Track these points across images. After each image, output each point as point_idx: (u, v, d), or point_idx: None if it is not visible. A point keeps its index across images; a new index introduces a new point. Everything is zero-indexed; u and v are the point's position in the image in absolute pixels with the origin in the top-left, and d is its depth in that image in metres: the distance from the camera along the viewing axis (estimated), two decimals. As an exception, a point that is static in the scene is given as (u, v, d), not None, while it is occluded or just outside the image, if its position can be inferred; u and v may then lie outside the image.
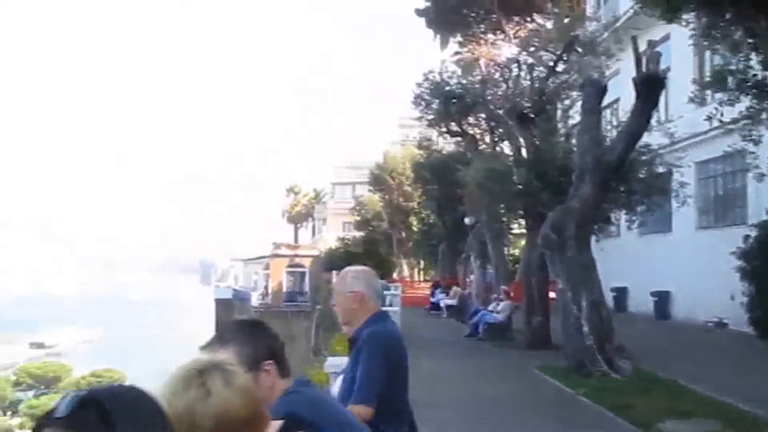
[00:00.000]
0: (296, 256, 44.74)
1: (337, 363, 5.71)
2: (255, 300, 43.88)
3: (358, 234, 45.23)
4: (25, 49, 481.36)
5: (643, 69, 11.79)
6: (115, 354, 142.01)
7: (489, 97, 20.22)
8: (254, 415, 1.61)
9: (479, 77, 20.89)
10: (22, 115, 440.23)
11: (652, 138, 14.50)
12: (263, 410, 1.68)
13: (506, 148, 21.70)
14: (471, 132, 23.97)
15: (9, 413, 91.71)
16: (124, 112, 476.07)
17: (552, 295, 16.13)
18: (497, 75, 20.05)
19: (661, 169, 14.88)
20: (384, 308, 3.96)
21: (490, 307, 19.66)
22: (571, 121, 18.57)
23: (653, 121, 13.95)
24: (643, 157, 14.11)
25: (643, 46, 12.31)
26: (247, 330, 2.23)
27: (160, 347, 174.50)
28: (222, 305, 50.39)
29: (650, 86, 11.84)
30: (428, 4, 20.82)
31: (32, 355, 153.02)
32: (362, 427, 2.46)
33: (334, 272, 40.67)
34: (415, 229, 41.35)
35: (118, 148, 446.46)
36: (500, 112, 19.52)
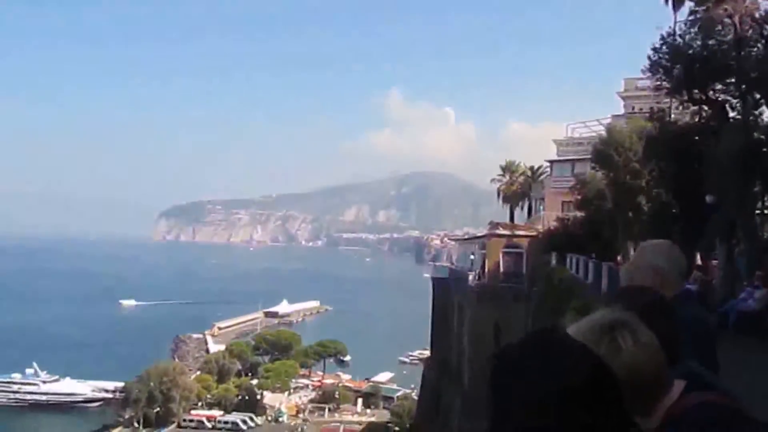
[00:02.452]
0: (514, 236, 44.00)
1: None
2: (471, 280, 43.99)
3: (579, 214, 43.24)
4: None
5: None
6: (338, 327, 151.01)
7: (742, 60, 17.88)
8: (660, 372, 1.63)
9: (729, 37, 18.53)
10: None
11: None
12: (667, 369, 1.69)
13: (766, 116, 19.02)
14: (719, 100, 21.36)
15: (249, 374, 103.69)
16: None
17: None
18: (750, 32, 17.64)
19: None
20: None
21: (742, 295, 17.60)
22: None
23: None
24: None
25: None
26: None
27: (378, 323, 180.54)
28: (439, 284, 51.36)
29: None
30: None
31: (268, 323, 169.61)
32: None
33: (553, 253, 39.40)
34: (644, 209, 38.45)
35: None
36: (756, 75, 17.15)
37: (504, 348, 1.19)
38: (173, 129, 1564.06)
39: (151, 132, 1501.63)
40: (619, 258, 40.42)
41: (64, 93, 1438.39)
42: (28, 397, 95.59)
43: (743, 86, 19.56)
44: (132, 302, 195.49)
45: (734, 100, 20.76)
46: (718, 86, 20.58)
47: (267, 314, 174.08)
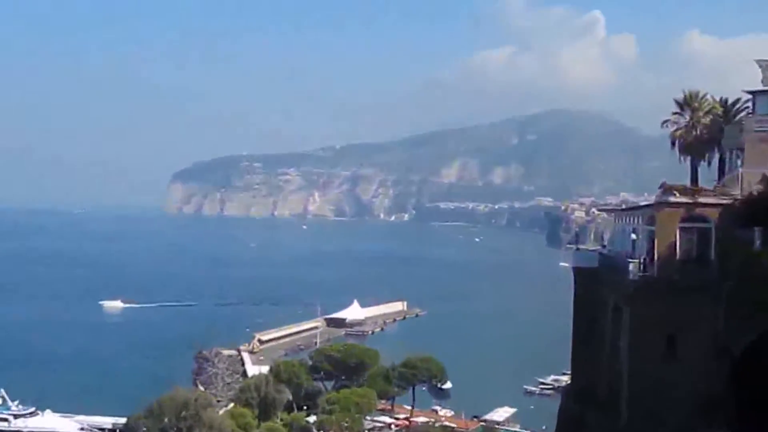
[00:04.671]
0: (697, 205, 43.25)
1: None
2: (632, 270, 43.65)
3: (799, 171, 42.12)
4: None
5: None
6: (434, 340, 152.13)
7: None
8: None
9: None
10: None
11: None
12: None
13: None
14: None
15: (305, 408, 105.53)
16: None
17: None
18: None
19: None
20: None
21: None
22: None
23: None
24: None
25: None
26: None
27: (493, 334, 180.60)
28: (583, 276, 51.29)
29: None
30: None
31: (331, 334, 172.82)
32: None
33: (757, 229, 38.68)
34: None
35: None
36: None
37: None
38: (183, 59, 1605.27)
39: (159, 66, 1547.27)
40: None
41: (42, 17, 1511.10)
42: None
43: None
44: (117, 304, 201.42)
45: None
46: None
47: (330, 321, 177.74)
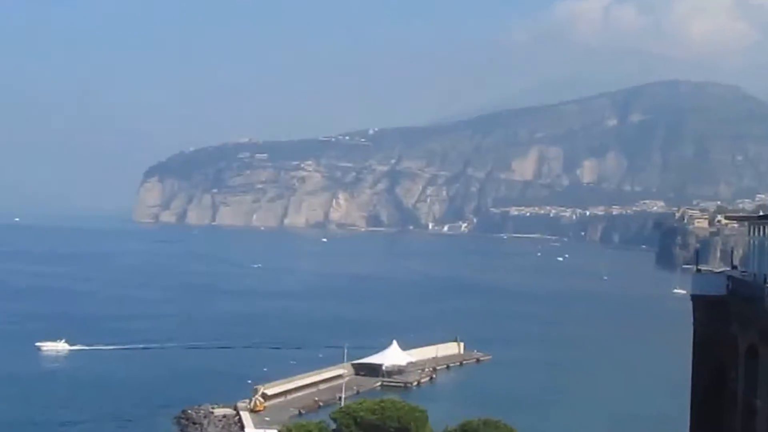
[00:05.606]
0: None
1: None
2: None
3: None
4: None
5: None
6: (503, 395, 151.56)
7: None
8: None
9: None
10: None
11: None
12: None
13: None
14: None
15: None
16: None
17: None
18: None
19: None
20: None
21: None
22: None
23: None
24: None
25: None
26: None
27: (587, 390, 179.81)
28: (707, 308, 50.99)
29: None
30: None
31: (361, 386, 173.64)
32: None
33: None
34: None
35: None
36: None
37: None
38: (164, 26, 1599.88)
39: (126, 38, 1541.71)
40: None
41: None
42: None
43: None
44: (60, 347, 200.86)
45: None
46: None
47: (360, 368, 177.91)
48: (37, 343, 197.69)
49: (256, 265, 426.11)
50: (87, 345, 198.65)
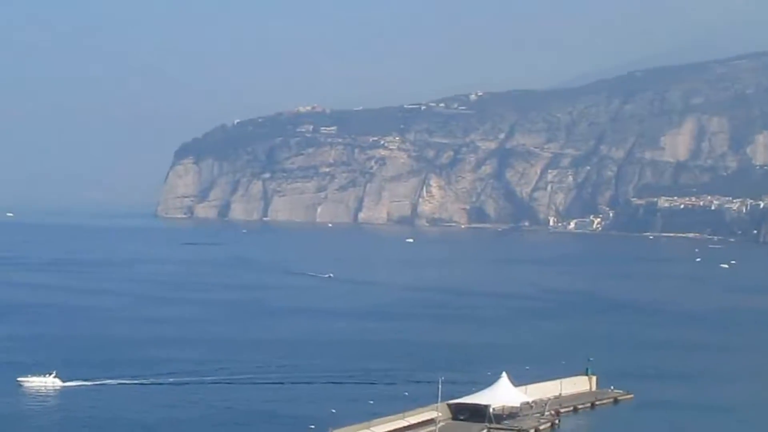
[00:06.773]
0: None
1: None
2: None
3: None
4: None
5: None
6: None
7: None
8: None
9: None
10: None
11: None
12: None
13: None
14: None
15: None
16: None
17: None
18: None
19: None
20: None
21: None
22: None
23: None
24: None
25: None
26: None
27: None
28: None
29: None
30: None
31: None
32: None
33: None
34: None
35: None
36: None
37: None
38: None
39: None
40: None
41: None
42: None
43: None
44: (49, 382, 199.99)
45: None
46: None
47: (458, 410, 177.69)
48: (19, 378, 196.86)
49: (326, 275, 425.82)
50: (84, 380, 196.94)
